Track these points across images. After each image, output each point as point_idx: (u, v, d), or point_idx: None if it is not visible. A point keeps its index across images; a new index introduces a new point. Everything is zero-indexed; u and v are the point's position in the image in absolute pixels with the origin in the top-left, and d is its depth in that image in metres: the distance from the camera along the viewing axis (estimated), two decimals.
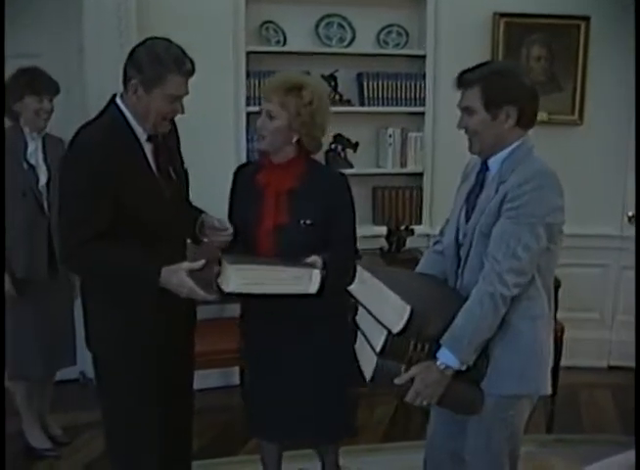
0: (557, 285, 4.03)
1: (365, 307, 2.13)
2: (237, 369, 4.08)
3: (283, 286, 2.26)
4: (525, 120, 2.12)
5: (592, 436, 3.69)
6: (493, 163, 2.15)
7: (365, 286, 2.16)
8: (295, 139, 2.45)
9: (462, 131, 2.20)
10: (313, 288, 2.26)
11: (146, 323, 2.36)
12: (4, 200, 3.11)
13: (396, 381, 2.03)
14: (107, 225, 2.23)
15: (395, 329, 1.99)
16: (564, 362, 3.94)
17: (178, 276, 2.23)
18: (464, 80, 2.13)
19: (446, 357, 2.03)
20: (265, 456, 2.77)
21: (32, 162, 3.22)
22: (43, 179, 3.24)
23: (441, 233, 2.40)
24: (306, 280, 2.26)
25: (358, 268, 2.22)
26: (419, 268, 2.41)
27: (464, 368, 2.05)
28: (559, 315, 4.00)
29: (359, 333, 2.23)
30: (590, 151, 4.39)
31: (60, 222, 2.34)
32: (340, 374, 2.52)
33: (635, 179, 4.23)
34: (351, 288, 2.22)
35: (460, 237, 2.20)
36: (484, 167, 2.18)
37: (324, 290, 2.27)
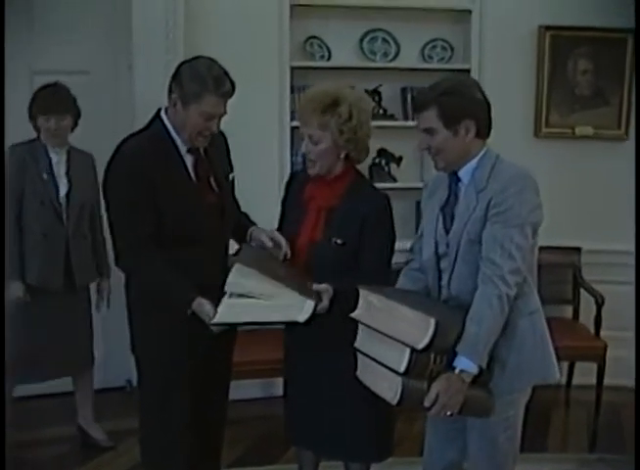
0: (600, 303, 4.00)
1: (378, 330, 2.14)
2: (280, 380, 4.11)
3: (272, 314, 2.28)
4: (483, 131, 2.20)
5: (634, 457, 3.63)
6: (464, 173, 2.21)
7: (373, 309, 2.17)
8: (343, 154, 2.45)
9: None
10: (302, 317, 2.25)
11: (179, 333, 2.44)
12: (4, 208, 3.16)
13: (426, 403, 2.04)
14: (151, 230, 2.34)
15: (421, 344, 2.00)
16: (606, 382, 3.90)
17: (202, 317, 2.32)
18: (420, 103, 2.20)
19: (464, 364, 2.06)
20: (302, 465, 2.79)
21: (54, 173, 3.31)
22: (63, 190, 3.32)
23: (412, 251, 2.43)
24: (297, 309, 2.25)
25: (361, 292, 2.22)
26: (399, 287, 2.41)
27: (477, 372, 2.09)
28: (602, 334, 3.97)
29: (360, 360, 2.25)
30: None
31: (109, 226, 2.49)
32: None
33: (635, 184, 4.10)
34: (357, 314, 2.22)
35: (440, 249, 2.24)
36: (456, 179, 2.23)
37: (314, 319, 2.26)
